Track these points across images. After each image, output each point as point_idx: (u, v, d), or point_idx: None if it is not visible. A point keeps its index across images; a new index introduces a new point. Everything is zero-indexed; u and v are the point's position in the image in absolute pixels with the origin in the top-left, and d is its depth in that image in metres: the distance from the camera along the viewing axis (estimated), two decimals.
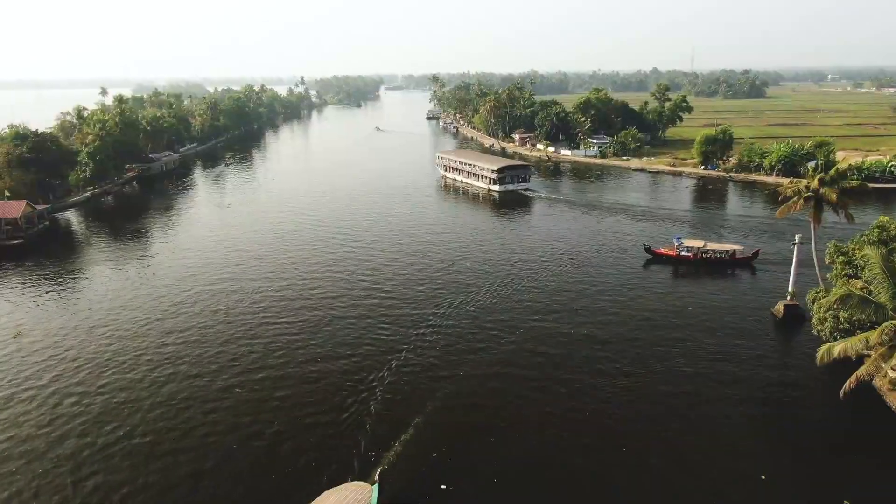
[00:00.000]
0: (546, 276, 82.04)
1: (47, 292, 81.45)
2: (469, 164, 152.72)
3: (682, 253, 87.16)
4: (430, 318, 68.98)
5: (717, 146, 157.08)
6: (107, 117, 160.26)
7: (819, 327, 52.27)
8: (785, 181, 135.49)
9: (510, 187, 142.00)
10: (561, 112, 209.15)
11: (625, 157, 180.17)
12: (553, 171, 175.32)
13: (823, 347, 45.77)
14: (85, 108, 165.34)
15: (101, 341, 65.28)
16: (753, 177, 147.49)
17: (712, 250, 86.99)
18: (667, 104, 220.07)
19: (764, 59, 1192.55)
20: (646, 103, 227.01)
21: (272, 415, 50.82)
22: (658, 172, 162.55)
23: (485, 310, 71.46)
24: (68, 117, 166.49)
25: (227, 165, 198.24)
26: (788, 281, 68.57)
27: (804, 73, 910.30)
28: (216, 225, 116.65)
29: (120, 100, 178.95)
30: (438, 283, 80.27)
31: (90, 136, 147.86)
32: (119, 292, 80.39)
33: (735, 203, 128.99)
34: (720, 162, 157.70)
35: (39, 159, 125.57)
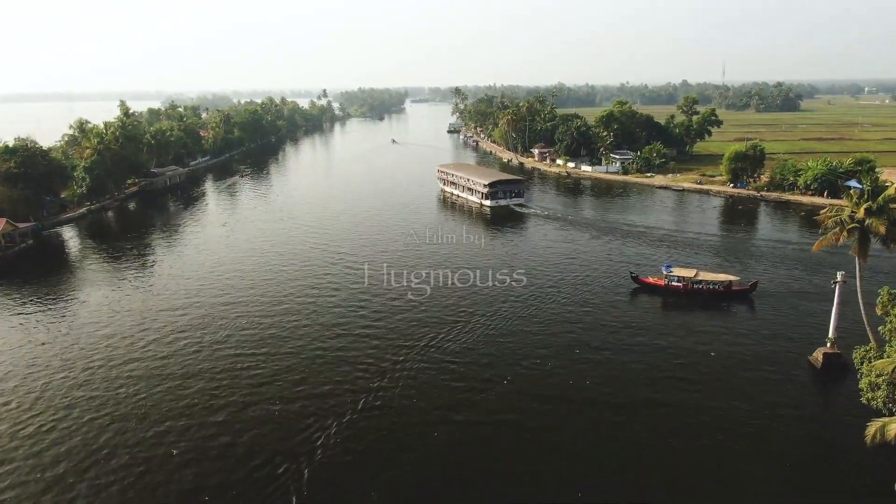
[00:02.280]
0: (536, 311, 73.45)
1: (10, 318, 75.03)
2: (464, 178, 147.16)
3: (672, 283, 78.52)
4: (404, 357, 60.70)
5: (747, 163, 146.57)
6: (109, 131, 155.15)
7: (869, 395, 42.70)
8: (823, 202, 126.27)
9: (502, 202, 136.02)
10: (582, 126, 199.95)
11: (648, 174, 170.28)
12: (572, 187, 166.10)
13: (876, 424, 36.74)
14: (88, 122, 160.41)
15: (51, 378, 58.83)
16: (787, 196, 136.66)
17: (705, 281, 77.92)
18: (694, 118, 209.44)
19: (797, 71, 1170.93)
20: (672, 117, 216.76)
21: (201, 475, 43.24)
22: (683, 190, 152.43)
23: (465, 350, 63.18)
24: (70, 130, 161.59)
25: (241, 177, 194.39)
26: (829, 325, 58.92)
27: (840, 85, 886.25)
28: (207, 246, 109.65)
29: (125, 112, 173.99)
30: (419, 317, 72.12)
31: (88, 151, 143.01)
32: (86, 321, 73.94)
33: (766, 226, 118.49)
34: (750, 180, 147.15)
35: (28, 175, 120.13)
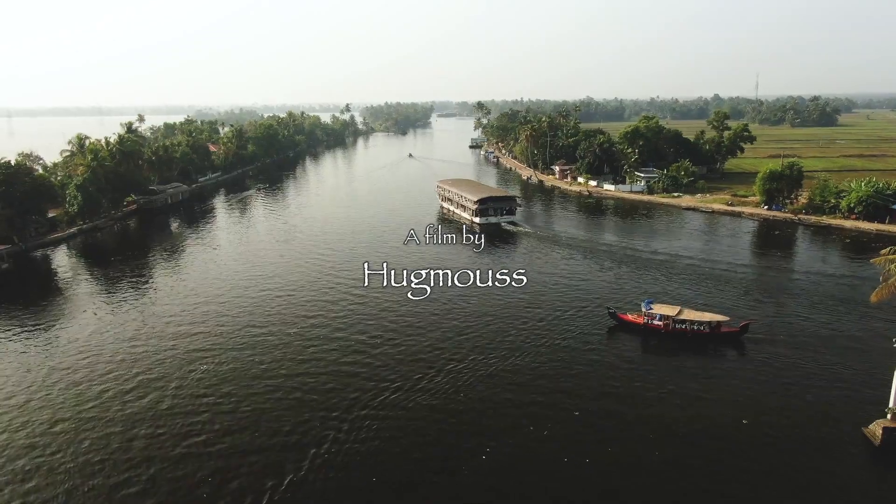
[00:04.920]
0: (523, 357, 63.48)
1: None
2: (458, 195, 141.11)
3: (653, 322, 69.25)
4: (350, 420, 51.08)
5: (783, 183, 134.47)
6: (106, 147, 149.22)
7: None
8: (869, 227, 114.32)
9: (492, 220, 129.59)
10: (605, 142, 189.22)
11: (675, 194, 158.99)
12: (592, 207, 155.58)
13: None
14: (87, 137, 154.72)
15: None
16: (828, 220, 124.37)
17: (689, 320, 68.31)
18: (726, 133, 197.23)
19: (833, 84, 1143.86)
20: (702, 132, 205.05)
21: None
22: (713, 212, 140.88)
23: (433, 408, 53.42)
24: (69, 146, 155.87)
25: (258, 191, 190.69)
26: (890, 392, 48.04)
27: (878, 99, 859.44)
28: (194, 270, 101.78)
29: (128, 128, 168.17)
30: (382, 360, 62.92)
31: (81, 168, 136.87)
32: (34, 355, 66.38)
33: (805, 255, 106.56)
34: (787, 201, 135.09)
35: (10, 194, 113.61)
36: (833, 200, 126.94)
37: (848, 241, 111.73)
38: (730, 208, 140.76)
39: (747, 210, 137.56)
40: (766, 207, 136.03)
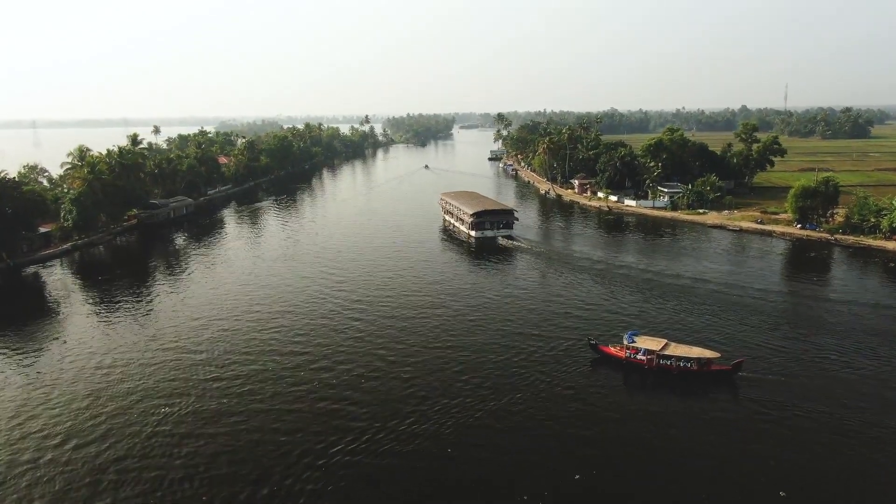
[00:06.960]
0: (512, 397, 56.23)
1: None
2: (457, 208, 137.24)
3: (637, 356, 62.56)
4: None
5: (817, 199, 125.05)
6: (109, 158, 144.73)
7: None
8: None
9: (488, 234, 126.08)
10: (627, 155, 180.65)
11: (701, 210, 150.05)
12: (612, 224, 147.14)
13: None
14: (89, 149, 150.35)
15: None
16: (868, 241, 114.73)
17: (674, 356, 61.34)
18: (754, 146, 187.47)
19: (864, 95, 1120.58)
20: (729, 145, 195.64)
21: None
22: (740, 230, 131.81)
23: (415, 459, 45.77)
24: (69, 158, 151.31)
25: (272, 201, 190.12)
26: None
27: None
28: (186, 291, 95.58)
29: (133, 140, 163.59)
30: (364, 400, 55.59)
31: (77, 181, 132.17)
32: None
33: (843, 280, 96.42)
34: (822, 220, 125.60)
35: None
36: (873, 219, 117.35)
37: (892, 265, 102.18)
38: (759, 227, 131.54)
39: (778, 229, 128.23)
40: (798, 226, 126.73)
